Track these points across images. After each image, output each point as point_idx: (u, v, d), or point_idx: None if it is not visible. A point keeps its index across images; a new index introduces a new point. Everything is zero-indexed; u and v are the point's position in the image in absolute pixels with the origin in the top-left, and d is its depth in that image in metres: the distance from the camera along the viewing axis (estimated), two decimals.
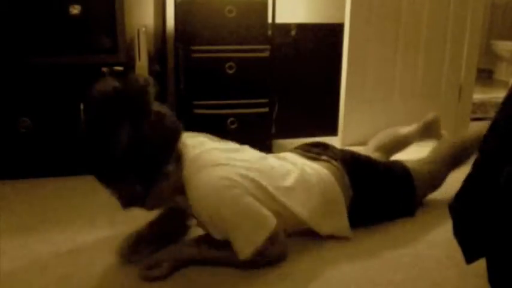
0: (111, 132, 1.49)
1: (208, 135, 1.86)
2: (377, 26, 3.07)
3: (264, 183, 1.71)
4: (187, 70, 2.70)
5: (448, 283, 1.63)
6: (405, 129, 2.59)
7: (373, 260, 1.76)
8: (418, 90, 3.29)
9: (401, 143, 2.55)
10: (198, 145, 1.73)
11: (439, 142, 2.41)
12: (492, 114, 3.23)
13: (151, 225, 1.83)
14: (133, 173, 1.54)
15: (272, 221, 1.65)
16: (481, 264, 1.37)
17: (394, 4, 3.09)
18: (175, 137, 1.62)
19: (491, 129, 1.33)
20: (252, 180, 1.68)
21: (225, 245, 1.64)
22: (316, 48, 3.16)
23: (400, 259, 1.77)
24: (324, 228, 1.86)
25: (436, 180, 2.18)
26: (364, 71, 3.12)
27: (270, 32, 2.72)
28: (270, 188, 1.72)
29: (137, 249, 1.72)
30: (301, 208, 1.79)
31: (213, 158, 1.67)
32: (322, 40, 3.17)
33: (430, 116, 2.63)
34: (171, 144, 1.61)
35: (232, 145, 1.88)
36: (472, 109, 3.56)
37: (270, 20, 2.70)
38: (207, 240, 1.70)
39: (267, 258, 1.67)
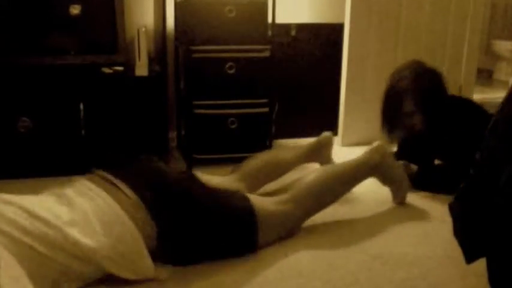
0: None
1: None
2: (377, 25, 3.07)
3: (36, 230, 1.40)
4: (187, 70, 2.70)
5: (448, 283, 1.63)
6: (288, 154, 2.33)
7: (373, 260, 1.76)
8: None
9: (281, 169, 2.27)
10: None
11: (306, 175, 1.99)
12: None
13: None
14: None
15: None
16: (481, 264, 1.37)
17: (394, 4, 3.09)
18: None
19: (491, 129, 1.32)
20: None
21: None
22: (316, 48, 3.16)
23: (400, 259, 1.77)
24: (123, 271, 1.53)
25: (290, 223, 1.87)
26: (364, 71, 3.12)
27: (270, 32, 2.72)
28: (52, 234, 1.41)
29: None
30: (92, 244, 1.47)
31: None
32: (322, 40, 3.17)
33: (322, 136, 2.42)
34: None
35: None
36: None
37: (270, 20, 2.70)
38: None
39: None
